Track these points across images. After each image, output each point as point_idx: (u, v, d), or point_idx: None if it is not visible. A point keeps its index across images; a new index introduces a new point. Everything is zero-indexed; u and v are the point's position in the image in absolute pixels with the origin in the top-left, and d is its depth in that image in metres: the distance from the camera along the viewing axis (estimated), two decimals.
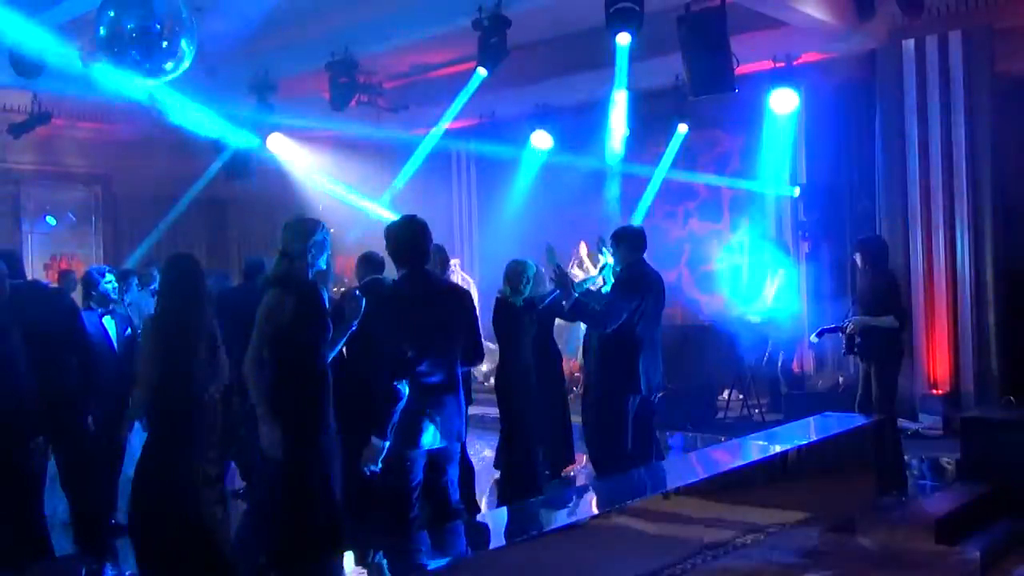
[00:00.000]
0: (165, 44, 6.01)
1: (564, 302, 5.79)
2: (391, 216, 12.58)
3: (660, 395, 7.16)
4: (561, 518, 4.51)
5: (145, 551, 4.31)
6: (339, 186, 12.46)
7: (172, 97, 9.09)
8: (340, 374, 4.59)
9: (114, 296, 6.05)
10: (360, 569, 4.10)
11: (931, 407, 8.25)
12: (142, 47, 5.94)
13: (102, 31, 6.01)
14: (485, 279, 10.83)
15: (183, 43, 6.09)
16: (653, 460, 6.11)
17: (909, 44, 8.43)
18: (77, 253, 12.36)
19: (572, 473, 7.02)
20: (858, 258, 6.79)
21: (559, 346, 7.29)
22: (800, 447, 5.92)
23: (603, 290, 6.44)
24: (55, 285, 7.91)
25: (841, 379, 9.00)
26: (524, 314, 6.15)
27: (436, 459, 4.38)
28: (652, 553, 5.04)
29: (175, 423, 4.24)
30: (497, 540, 4.35)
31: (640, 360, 5.81)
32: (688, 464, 6.10)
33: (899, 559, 4.97)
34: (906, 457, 7.00)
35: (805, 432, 6.34)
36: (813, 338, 8.21)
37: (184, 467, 4.25)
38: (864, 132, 9.27)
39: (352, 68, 9.22)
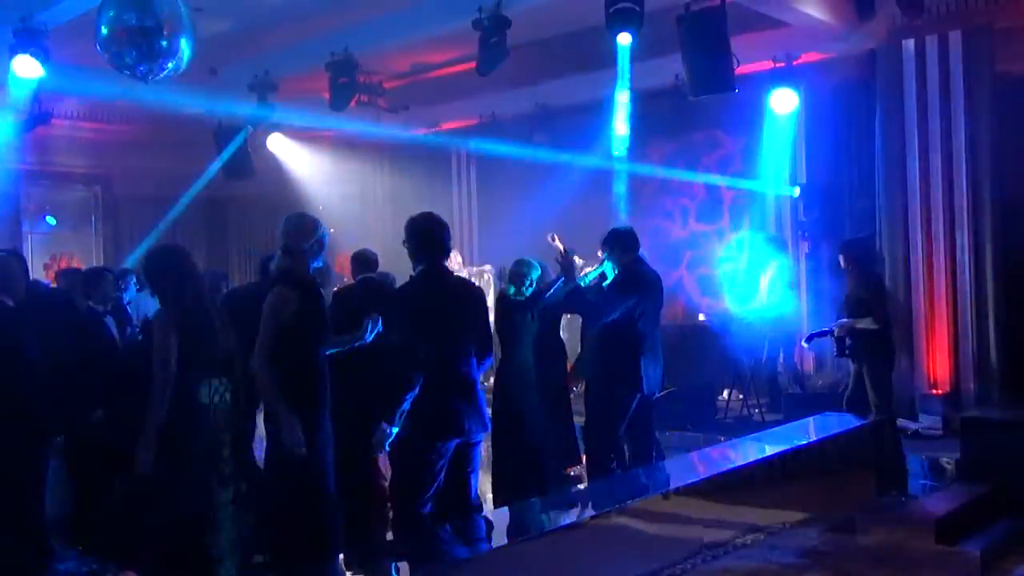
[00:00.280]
0: (165, 44, 6.01)
1: (565, 284, 5.82)
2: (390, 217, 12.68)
3: (660, 395, 7.17)
4: (561, 518, 4.52)
5: (154, 551, 4.29)
6: (338, 186, 12.48)
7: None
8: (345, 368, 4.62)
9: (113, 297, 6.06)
10: (359, 568, 4.11)
11: (931, 407, 8.25)
12: (142, 47, 5.94)
13: (103, 30, 6.02)
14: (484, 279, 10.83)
15: (183, 43, 6.10)
16: (653, 460, 6.11)
17: (909, 44, 8.43)
18: (77, 253, 12.36)
19: (573, 473, 7.02)
20: (841, 260, 6.85)
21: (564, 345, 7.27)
22: (800, 447, 5.92)
23: (604, 285, 6.45)
24: (54, 285, 7.91)
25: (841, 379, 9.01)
26: (526, 312, 6.14)
27: (463, 450, 4.49)
28: (652, 553, 5.04)
29: (190, 421, 4.23)
30: (497, 540, 4.36)
31: (640, 358, 5.82)
32: (688, 464, 6.09)
33: (899, 559, 4.97)
34: (907, 457, 7.01)
35: (805, 432, 6.34)
36: (804, 343, 8.30)
37: (199, 465, 4.25)
38: (864, 132, 9.26)
39: (352, 68, 9.22)
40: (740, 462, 5.62)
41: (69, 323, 5.35)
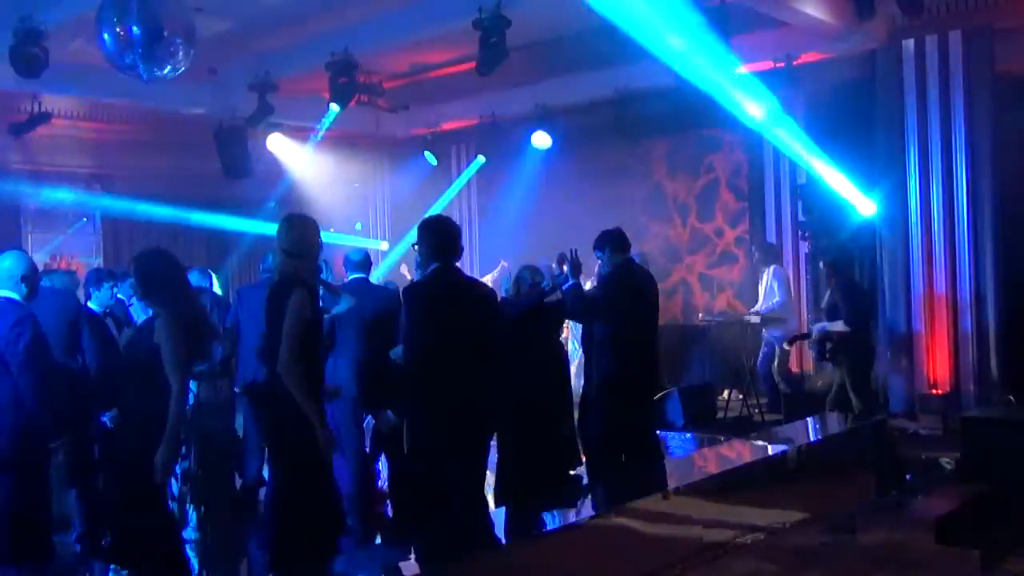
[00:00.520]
0: (165, 44, 6.01)
1: (565, 281, 5.86)
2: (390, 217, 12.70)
3: (660, 395, 7.19)
4: (561, 518, 4.52)
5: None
6: (338, 186, 12.48)
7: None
8: None
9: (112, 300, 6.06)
10: (360, 567, 4.11)
11: (931, 407, 8.26)
12: (142, 47, 5.94)
13: (103, 31, 6.02)
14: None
15: (183, 43, 6.10)
16: (653, 460, 6.11)
17: (909, 44, 8.44)
18: (77, 253, 12.34)
19: (575, 473, 7.01)
20: (822, 265, 6.98)
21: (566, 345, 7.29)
22: (800, 447, 5.92)
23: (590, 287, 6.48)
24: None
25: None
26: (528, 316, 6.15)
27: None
28: (652, 553, 5.03)
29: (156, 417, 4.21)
30: (498, 540, 4.36)
31: (633, 359, 5.81)
32: (688, 464, 6.10)
33: (899, 559, 4.96)
34: (907, 457, 7.01)
35: (805, 432, 6.34)
36: (786, 345, 8.40)
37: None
38: (864, 132, 9.27)
39: (352, 68, 9.22)
40: (740, 462, 5.62)
41: (74, 324, 5.34)
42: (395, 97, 10.42)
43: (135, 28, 5.89)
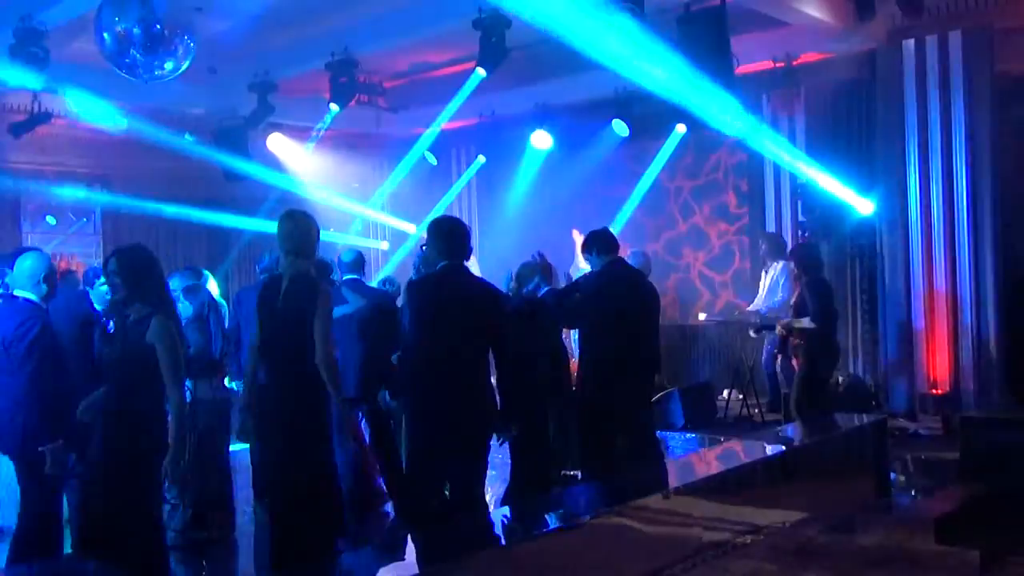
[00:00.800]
0: (165, 44, 6.01)
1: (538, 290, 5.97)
2: (386, 217, 12.69)
3: (660, 395, 7.19)
4: (561, 518, 4.52)
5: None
6: (338, 186, 12.47)
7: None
8: None
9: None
10: (359, 567, 4.10)
11: (931, 407, 8.26)
12: (142, 47, 5.95)
13: (103, 31, 6.02)
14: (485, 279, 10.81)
15: (183, 43, 6.10)
16: (653, 460, 6.10)
17: (909, 44, 8.44)
18: (77, 253, 12.34)
19: (574, 473, 7.01)
20: (792, 266, 7.21)
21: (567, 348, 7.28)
22: (800, 447, 5.92)
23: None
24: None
25: (841, 379, 9.00)
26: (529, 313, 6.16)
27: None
28: (652, 553, 5.03)
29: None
30: (497, 539, 4.36)
31: (625, 360, 5.79)
32: (688, 464, 6.10)
33: (899, 559, 4.96)
34: (907, 457, 7.02)
35: (805, 432, 6.34)
36: (752, 333, 8.49)
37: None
38: (864, 132, 9.27)
39: (352, 68, 9.22)
40: (740, 462, 5.62)
41: (87, 324, 5.34)
42: (395, 97, 10.41)
43: (135, 28, 5.89)
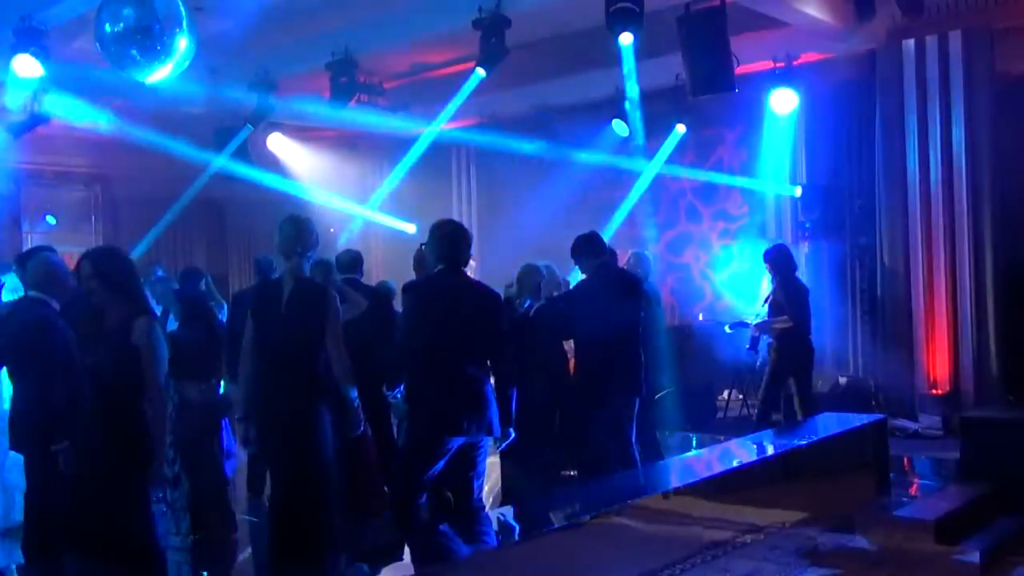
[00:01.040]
0: (165, 43, 6.01)
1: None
2: (385, 218, 12.68)
3: (660, 395, 7.18)
4: (561, 518, 4.52)
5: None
6: (338, 186, 12.47)
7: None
8: None
9: None
10: (361, 565, 4.11)
11: (931, 407, 8.26)
12: (142, 46, 5.95)
13: (104, 30, 6.02)
14: (485, 279, 10.80)
15: (183, 42, 6.10)
16: (653, 460, 6.10)
17: (909, 44, 8.44)
18: (77, 253, 12.34)
19: (573, 473, 7.01)
20: (767, 267, 7.36)
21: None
22: (800, 447, 5.92)
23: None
24: None
25: (841, 379, 9.01)
26: (529, 316, 6.16)
27: (467, 451, 4.53)
28: (652, 553, 5.03)
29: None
30: (497, 540, 4.36)
31: (617, 363, 5.78)
32: (688, 464, 6.10)
33: (899, 559, 4.96)
34: (907, 457, 7.02)
35: (805, 432, 6.34)
36: (727, 328, 8.60)
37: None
38: (864, 132, 9.27)
39: (352, 68, 9.22)
40: (740, 462, 5.62)
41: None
42: (395, 97, 10.40)
43: (135, 27, 5.89)
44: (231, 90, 9.78)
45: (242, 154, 10.86)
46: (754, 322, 7.68)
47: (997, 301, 8.17)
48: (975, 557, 4.88)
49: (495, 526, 4.64)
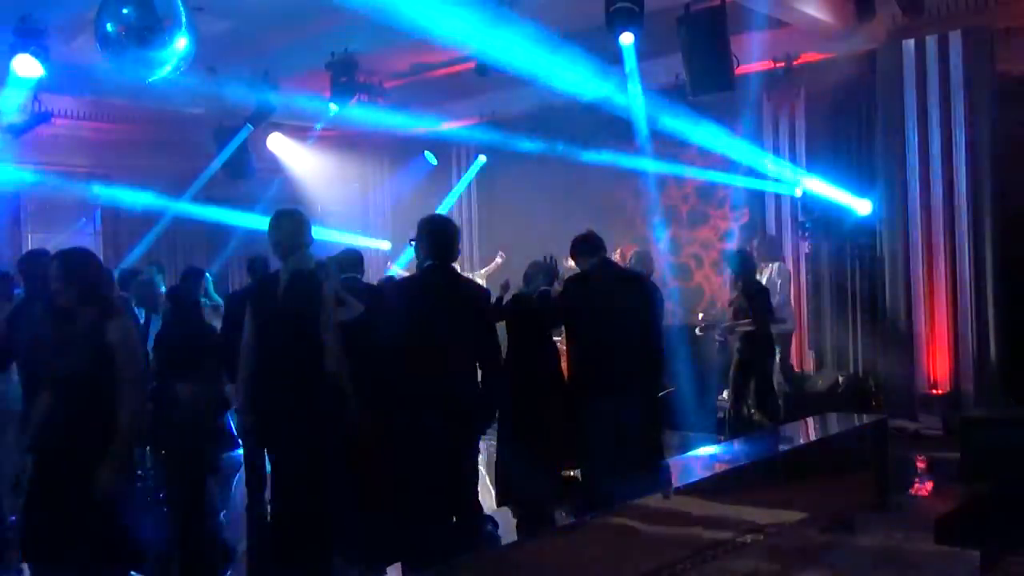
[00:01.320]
0: (165, 43, 6.01)
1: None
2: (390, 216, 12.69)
3: (660, 395, 7.17)
4: (561, 518, 4.52)
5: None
6: (338, 186, 12.48)
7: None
8: None
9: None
10: (359, 567, 4.11)
11: (931, 407, 8.25)
12: (142, 45, 5.95)
13: (104, 29, 6.02)
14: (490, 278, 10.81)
15: (182, 41, 6.10)
16: (653, 460, 6.09)
17: (909, 44, 8.43)
18: None
19: (573, 473, 7.01)
20: (729, 271, 7.82)
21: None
22: (800, 447, 5.92)
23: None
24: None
25: (841, 379, 9.00)
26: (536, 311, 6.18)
27: (462, 450, 4.58)
28: (652, 553, 5.03)
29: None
30: (497, 540, 4.36)
31: (609, 361, 5.77)
32: (688, 464, 6.09)
33: (899, 559, 4.97)
34: (907, 457, 7.01)
35: (805, 432, 6.34)
36: (697, 331, 8.81)
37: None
38: (864, 132, 9.27)
39: (352, 68, 9.22)
40: (740, 462, 5.62)
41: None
42: (395, 97, 10.40)
43: (135, 27, 5.89)
44: (231, 90, 9.78)
45: (242, 153, 10.86)
46: (723, 326, 8.14)
47: (997, 301, 8.17)
48: (975, 557, 4.89)
49: (495, 526, 4.64)
